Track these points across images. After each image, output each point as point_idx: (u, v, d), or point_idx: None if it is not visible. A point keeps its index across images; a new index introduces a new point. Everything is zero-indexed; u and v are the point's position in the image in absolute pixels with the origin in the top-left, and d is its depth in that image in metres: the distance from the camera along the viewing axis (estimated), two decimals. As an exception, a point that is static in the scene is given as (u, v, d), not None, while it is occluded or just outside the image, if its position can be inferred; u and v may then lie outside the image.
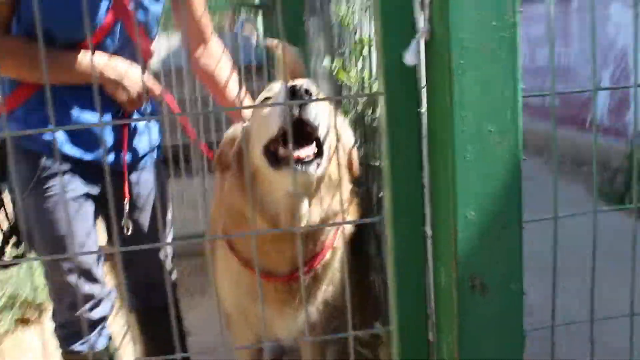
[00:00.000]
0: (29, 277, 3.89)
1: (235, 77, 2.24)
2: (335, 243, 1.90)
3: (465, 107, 1.03)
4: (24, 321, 3.82)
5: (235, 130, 1.91)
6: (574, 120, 7.34)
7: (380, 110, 1.18)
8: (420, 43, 1.08)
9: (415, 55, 1.08)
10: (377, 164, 1.99)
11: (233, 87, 2.23)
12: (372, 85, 2.04)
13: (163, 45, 4.67)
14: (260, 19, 5.58)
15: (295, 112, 1.59)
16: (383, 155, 1.17)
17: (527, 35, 8.22)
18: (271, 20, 4.28)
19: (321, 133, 1.64)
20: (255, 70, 4.82)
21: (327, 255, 1.90)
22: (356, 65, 2.23)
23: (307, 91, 1.58)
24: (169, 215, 2.35)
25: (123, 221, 2.07)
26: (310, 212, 1.76)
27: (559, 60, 7.51)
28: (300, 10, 3.66)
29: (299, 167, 1.62)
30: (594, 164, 1.20)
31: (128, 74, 1.93)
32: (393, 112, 1.13)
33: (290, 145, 1.57)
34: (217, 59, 2.23)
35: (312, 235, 1.83)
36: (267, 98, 1.86)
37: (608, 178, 6.05)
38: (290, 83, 1.63)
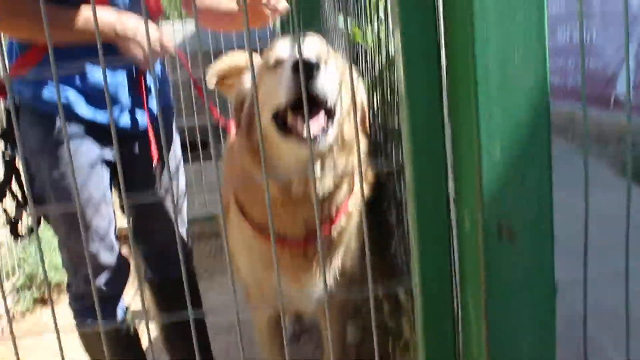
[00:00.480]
0: (47, 256, 3.88)
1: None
2: (349, 207, 1.82)
3: (487, 32, 0.94)
4: (43, 301, 3.80)
5: (242, 90, 1.83)
6: (597, 99, 7.17)
7: (396, 46, 1.09)
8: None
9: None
10: (395, 126, 1.91)
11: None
12: (389, 46, 1.95)
13: (178, 30, 4.63)
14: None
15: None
16: (401, 94, 1.08)
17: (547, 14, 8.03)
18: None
19: (331, 103, 1.58)
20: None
21: (342, 221, 1.82)
22: (371, 25, 2.14)
23: (316, 66, 1.50)
24: (183, 184, 2.30)
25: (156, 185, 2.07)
26: (323, 176, 1.69)
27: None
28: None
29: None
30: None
31: (140, 29, 1.86)
32: (410, 47, 1.04)
33: (306, 121, 1.49)
34: None
35: (326, 199, 1.75)
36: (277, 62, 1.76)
37: (635, 156, 5.89)
38: (296, 56, 1.55)
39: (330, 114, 1.61)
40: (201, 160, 4.76)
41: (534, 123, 0.97)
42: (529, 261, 1.02)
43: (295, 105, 1.55)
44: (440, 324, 1.16)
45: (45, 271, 1.12)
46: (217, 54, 2.77)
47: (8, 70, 1.87)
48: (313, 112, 1.58)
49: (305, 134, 1.52)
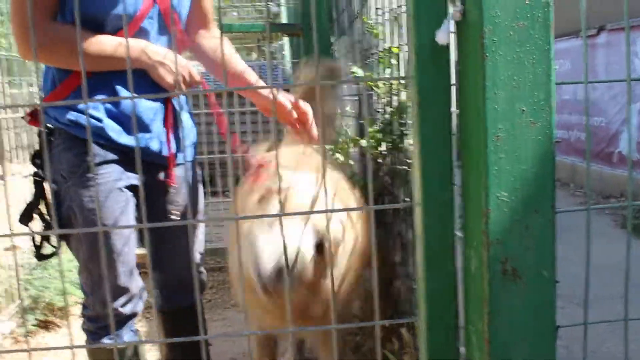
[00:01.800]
0: (54, 280, 3.91)
1: (239, 58, 2.23)
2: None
3: (497, 85, 1.02)
4: (46, 323, 3.82)
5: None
6: (600, 155, 7.27)
7: (411, 93, 1.17)
8: (452, 22, 1.08)
9: (447, 34, 1.07)
10: (403, 169, 1.98)
11: (238, 64, 2.21)
12: (401, 91, 2.04)
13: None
14: (286, 40, 5.65)
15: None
16: (413, 135, 1.16)
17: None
18: (299, 42, 4.32)
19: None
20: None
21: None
22: (384, 72, 2.24)
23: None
24: (201, 215, 2.35)
25: (170, 207, 2.12)
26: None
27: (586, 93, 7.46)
28: (328, 33, 3.71)
29: None
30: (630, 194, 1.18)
31: (169, 57, 1.95)
32: (424, 93, 1.12)
33: None
34: (218, 40, 2.24)
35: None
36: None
37: (635, 211, 5.96)
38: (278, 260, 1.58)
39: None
40: (207, 195, 4.82)
41: (540, 172, 1.05)
42: (532, 301, 1.08)
43: None
44: (444, 353, 1.21)
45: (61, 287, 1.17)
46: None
47: (43, 97, 1.96)
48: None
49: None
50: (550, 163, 1.05)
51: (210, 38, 2.24)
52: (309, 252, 1.62)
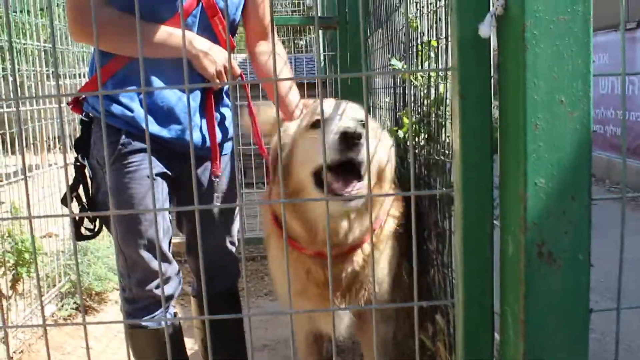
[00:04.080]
0: (92, 266, 4.03)
1: (289, 80, 2.31)
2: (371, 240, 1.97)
3: (537, 76, 1.07)
4: (85, 307, 3.95)
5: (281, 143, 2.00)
6: (636, 150, 7.19)
7: (451, 84, 1.22)
8: (494, 16, 1.12)
9: (489, 27, 1.12)
10: (439, 160, 2.02)
11: (286, 89, 2.30)
12: (439, 84, 2.08)
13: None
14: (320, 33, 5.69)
15: (345, 156, 1.72)
16: (453, 125, 1.20)
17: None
18: (335, 35, 4.37)
19: (365, 169, 1.75)
20: (319, 85, 4.94)
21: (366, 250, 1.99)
22: (422, 65, 2.27)
23: (359, 135, 1.68)
24: (236, 209, 2.42)
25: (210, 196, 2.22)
26: (351, 227, 1.91)
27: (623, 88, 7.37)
28: (364, 26, 3.74)
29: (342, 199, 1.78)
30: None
31: (214, 48, 2.02)
32: (466, 84, 1.17)
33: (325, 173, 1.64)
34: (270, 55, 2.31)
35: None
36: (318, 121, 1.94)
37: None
38: (342, 126, 1.75)
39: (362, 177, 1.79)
40: (240, 186, 4.92)
41: (577, 160, 1.09)
42: (567, 283, 1.12)
43: (334, 166, 1.75)
44: (479, 340, 1.26)
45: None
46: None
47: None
48: (350, 178, 1.78)
49: (341, 192, 1.75)
50: (587, 151, 1.09)
51: (266, 53, 2.32)
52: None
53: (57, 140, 4.25)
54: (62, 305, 3.85)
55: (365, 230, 1.93)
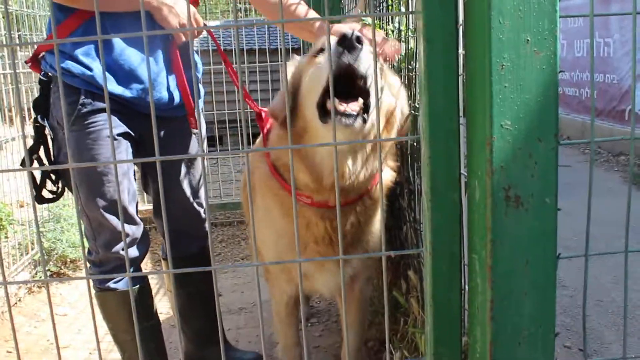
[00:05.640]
0: (65, 233, 3.98)
1: None
2: (374, 190, 1.89)
3: (502, 14, 1.03)
4: (59, 275, 3.91)
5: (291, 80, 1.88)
6: (611, 113, 7.24)
7: (417, 29, 1.19)
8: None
9: (454, -35, 1.08)
10: (410, 114, 1.99)
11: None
12: (409, 38, 2.04)
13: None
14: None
15: (345, 59, 1.54)
16: (420, 69, 1.17)
17: (565, 28, 8.13)
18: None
19: (370, 85, 1.60)
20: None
21: (367, 203, 1.89)
22: (393, 21, 2.24)
23: (358, 38, 1.54)
24: (200, 167, 2.36)
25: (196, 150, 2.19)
26: (355, 170, 1.77)
27: (599, 51, 7.39)
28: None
29: (344, 119, 1.58)
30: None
31: (179, 3, 1.97)
32: (431, 28, 1.13)
33: (332, 89, 1.33)
34: None
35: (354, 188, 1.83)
36: (321, 50, 1.78)
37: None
38: (342, 30, 1.61)
39: (367, 96, 1.63)
40: (217, 151, 4.88)
41: (544, 101, 1.07)
42: (534, 228, 1.11)
43: (338, 92, 1.56)
44: (448, 289, 1.25)
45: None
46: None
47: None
48: (354, 96, 1.61)
49: (342, 110, 1.57)
50: (554, 93, 1.07)
51: None
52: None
53: (15, 109, 4.15)
54: (36, 273, 3.81)
55: (370, 176, 1.81)
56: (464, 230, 1.23)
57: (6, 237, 3.35)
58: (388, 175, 1.95)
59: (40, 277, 3.77)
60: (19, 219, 3.92)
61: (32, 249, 3.88)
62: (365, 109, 1.63)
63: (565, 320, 2.81)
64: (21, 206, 4.08)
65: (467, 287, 1.27)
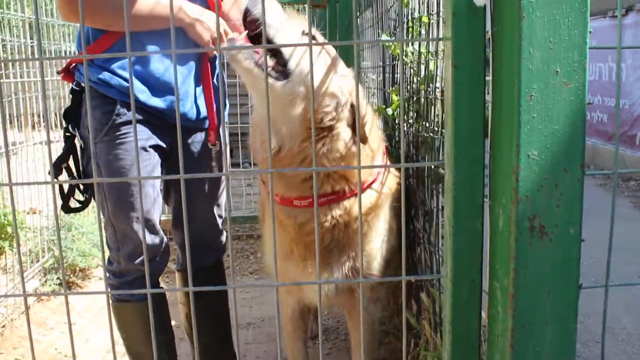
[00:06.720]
0: (76, 242, 3.99)
1: None
2: (366, 194, 1.89)
3: (533, 45, 1.04)
4: (68, 284, 3.92)
5: None
6: (622, 137, 7.22)
7: (445, 56, 1.20)
8: (490, -16, 1.10)
9: (485, -5, 1.09)
10: (429, 137, 2.00)
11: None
12: (429, 61, 2.05)
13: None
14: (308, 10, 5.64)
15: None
16: (446, 96, 1.18)
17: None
18: (324, 13, 4.33)
19: (278, 40, 1.69)
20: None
21: (350, 203, 1.86)
22: (412, 44, 2.25)
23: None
24: (220, 179, 2.38)
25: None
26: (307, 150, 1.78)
27: (611, 75, 7.40)
28: (353, 5, 3.71)
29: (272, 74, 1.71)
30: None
31: (205, 14, 1.99)
32: (460, 55, 1.14)
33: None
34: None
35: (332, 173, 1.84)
36: None
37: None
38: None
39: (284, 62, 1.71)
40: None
41: (571, 132, 1.07)
42: (557, 258, 1.10)
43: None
44: (467, 316, 1.25)
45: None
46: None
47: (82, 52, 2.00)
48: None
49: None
50: (581, 124, 1.07)
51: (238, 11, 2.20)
52: None
53: (42, 117, 4.19)
54: (46, 281, 3.81)
55: (350, 175, 1.81)
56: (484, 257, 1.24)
57: (11, 248, 3.36)
58: (391, 182, 1.97)
59: (51, 286, 3.78)
60: (31, 226, 3.93)
61: (43, 256, 3.88)
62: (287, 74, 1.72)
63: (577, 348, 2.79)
64: (33, 213, 4.09)
65: (484, 315, 1.27)
